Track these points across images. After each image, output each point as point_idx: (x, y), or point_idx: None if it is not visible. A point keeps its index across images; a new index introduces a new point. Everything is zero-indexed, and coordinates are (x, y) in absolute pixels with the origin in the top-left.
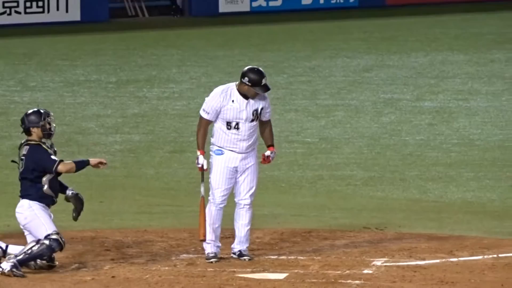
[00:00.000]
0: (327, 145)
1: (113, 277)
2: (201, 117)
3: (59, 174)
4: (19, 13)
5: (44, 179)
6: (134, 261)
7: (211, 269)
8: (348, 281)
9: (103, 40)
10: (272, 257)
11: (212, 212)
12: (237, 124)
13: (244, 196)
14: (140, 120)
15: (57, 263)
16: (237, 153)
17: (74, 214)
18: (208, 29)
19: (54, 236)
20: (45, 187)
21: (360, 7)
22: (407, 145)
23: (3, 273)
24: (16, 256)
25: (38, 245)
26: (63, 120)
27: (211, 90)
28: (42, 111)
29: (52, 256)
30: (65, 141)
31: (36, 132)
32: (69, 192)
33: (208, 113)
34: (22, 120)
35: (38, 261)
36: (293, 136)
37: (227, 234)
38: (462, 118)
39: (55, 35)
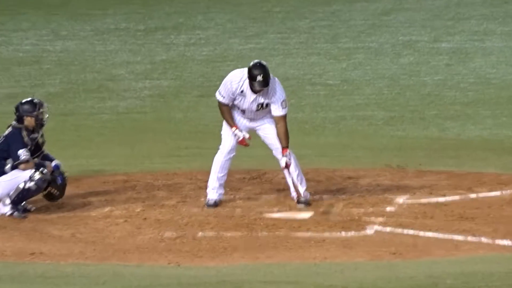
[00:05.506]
0: (348, 86)
1: (144, 219)
2: (218, 101)
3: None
4: None
5: (8, 161)
6: (164, 203)
7: (239, 209)
8: (372, 218)
9: None
10: None
11: (219, 162)
12: (244, 110)
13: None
14: (168, 66)
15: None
16: (245, 118)
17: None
18: None
19: (37, 176)
20: (7, 166)
21: None
22: (425, 85)
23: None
24: (10, 198)
25: (25, 185)
26: (94, 68)
27: (236, 36)
28: (36, 101)
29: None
30: (96, 88)
31: (29, 120)
32: (54, 167)
33: (223, 97)
34: (16, 108)
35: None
36: (315, 79)
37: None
38: (478, 58)
39: None
